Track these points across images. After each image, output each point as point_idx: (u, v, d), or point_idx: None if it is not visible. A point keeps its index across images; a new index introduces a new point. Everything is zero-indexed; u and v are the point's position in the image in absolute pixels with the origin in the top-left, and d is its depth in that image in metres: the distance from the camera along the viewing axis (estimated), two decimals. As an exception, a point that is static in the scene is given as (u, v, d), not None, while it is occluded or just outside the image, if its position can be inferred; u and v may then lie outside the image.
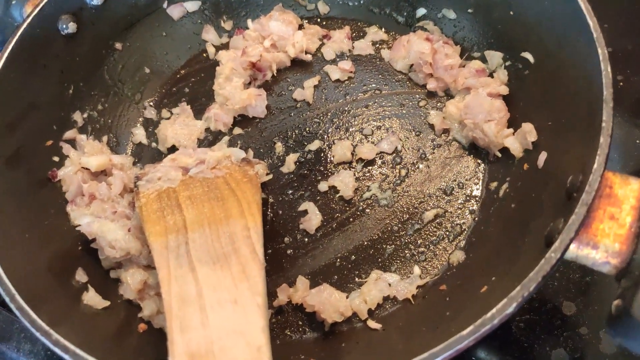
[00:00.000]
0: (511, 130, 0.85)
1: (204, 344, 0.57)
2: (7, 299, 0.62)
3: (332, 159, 0.92)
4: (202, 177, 0.82)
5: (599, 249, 0.59)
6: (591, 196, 0.58)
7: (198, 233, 0.71)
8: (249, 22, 1.05)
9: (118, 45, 0.99)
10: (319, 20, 1.08)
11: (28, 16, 0.85)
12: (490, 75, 0.92)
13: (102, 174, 0.90)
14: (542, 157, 0.78)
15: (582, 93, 0.70)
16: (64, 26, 0.89)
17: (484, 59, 0.93)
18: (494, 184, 0.85)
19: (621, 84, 1.09)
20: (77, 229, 0.80)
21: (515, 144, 0.83)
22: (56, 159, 0.88)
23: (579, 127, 0.70)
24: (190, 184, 0.81)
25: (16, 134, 0.81)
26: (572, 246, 0.59)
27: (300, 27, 1.05)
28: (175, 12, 1.04)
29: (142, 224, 0.76)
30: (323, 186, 0.90)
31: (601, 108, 0.64)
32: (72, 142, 0.90)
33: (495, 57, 0.91)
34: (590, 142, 0.63)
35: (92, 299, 0.75)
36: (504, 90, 0.88)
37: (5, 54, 0.81)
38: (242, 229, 0.71)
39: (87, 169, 0.88)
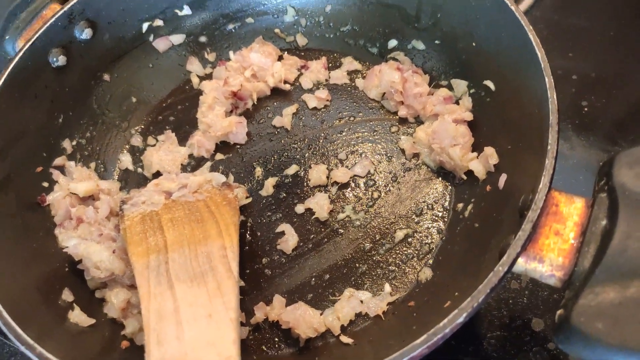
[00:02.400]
0: (475, 154, 0.90)
1: (179, 355, 0.61)
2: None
3: (308, 182, 0.97)
4: (184, 201, 0.86)
5: (545, 262, 0.63)
6: (537, 214, 0.63)
7: (178, 253, 0.75)
8: (231, 53, 1.11)
9: (106, 77, 1.04)
10: (297, 51, 1.14)
11: (20, 50, 0.90)
12: (457, 102, 0.97)
13: (89, 199, 0.95)
14: (503, 178, 0.83)
15: (534, 118, 0.76)
16: (54, 59, 0.95)
17: (451, 87, 0.99)
18: (460, 205, 0.90)
19: (586, 109, 1.15)
20: (65, 250, 0.84)
21: (478, 166, 0.89)
22: (45, 184, 0.92)
23: (532, 150, 0.75)
24: (173, 207, 0.85)
25: (7, 160, 0.85)
26: (521, 260, 0.64)
27: (280, 58, 1.11)
28: (161, 45, 1.10)
29: (126, 245, 0.80)
30: (300, 208, 0.94)
31: (547, 132, 0.69)
32: (61, 169, 0.95)
33: (460, 85, 0.97)
34: (540, 164, 0.69)
35: (78, 317, 0.79)
36: (469, 116, 0.93)
37: (-2, 87, 0.86)
38: (219, 248, 0.75)
39: (75, 194, 0.93)
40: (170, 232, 0.79)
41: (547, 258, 0.63)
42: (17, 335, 0.64)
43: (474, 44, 0.94)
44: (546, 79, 0.74)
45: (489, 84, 0.91)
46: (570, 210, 0.66)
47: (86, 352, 0.74)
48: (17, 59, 0.89)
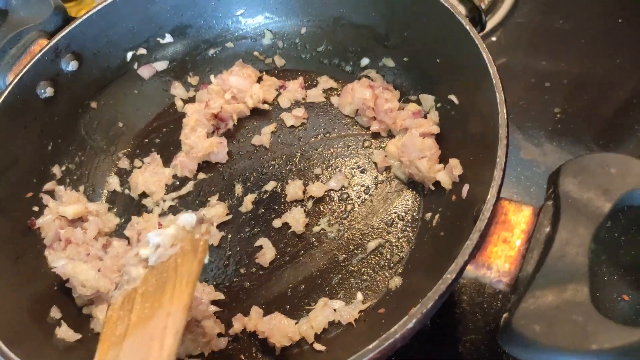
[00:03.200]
0: (442, 165, 0.94)
1: None
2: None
3: (285, 197, 1.01)
4: (160, 263, 0.78)
5: (492, 269, 0.67)
6: (484, 223, 0.67)
7: (132, 338, 0.69)
8: (212, 77, 1.17)
9: (93, 104, 1.10)
10: (276, 72, 1.19)
11: (9, 84, 0.96)
12: (425, 116, 1.01)
13: (78, 220, 1.00)
14: (465, 189, 0.86)
15: (489, 131, 0.80)
16: (42, 91, 1.01)
17: (419, 102, 1.03)
18: (429, 215, 0.94)
19: (558, 115, 1.19)
20: (53, 270, 0.89)
21: (445, 177, 0.92)
22: (36, 208, 0.98)
23: (488, 161, 0.79)
24: (149, 276, 0.78)
25: (-1, 187, 0.91)
26: (471, 267, 0.68)
27: (260, 79, 1.17)
28: (145, 72, 1.16)
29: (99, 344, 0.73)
30: (277, 223, 0.99)
31: (497, 145, 0.73)
32: (51, 193, 1.00)
33: (428, 100, 1.01)
34: (488, 176, 0.73)
35: (65, 332, 0.83)
36: (435, 129, 0.97)
37: (-11, 119, 0.92)
38: (164, 317, 0.69)
39: (64, 216, 0.98)
40: (137, 311, 0.73)
41: (494, 265, 0.67)
42: (5, 354, 0.69)
43: (438, 60, 0.98)
44: (497, 95, 0.78)
45: (453, 98, 0.95)
46: (518, 219, 0.69)
47: (73, 365, 0.79)
48: (6, 92, 0.95)
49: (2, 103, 0.95)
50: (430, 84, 1.02)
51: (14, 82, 0.96)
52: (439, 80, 0.99)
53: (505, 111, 0.76)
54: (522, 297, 0.61)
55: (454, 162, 0.91)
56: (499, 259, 0.67)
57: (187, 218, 0.81)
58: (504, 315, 0.64)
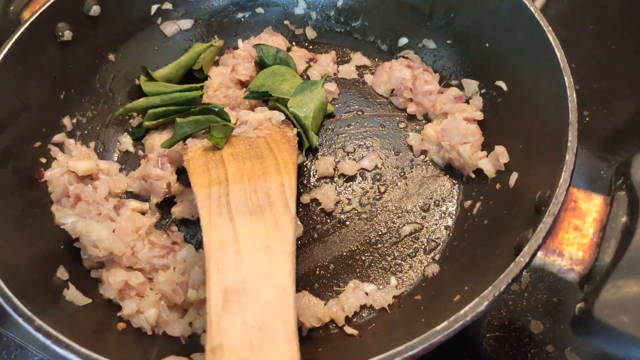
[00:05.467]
0: (485, 152, 0.90)
1: (237, 282, 0.62)
2: (-8, 288, 0.62)
3: (314, 173, 0.96)
4: (245, 137, 0.88)
5: (564, 256, 0.63)
6: (558, 207, 0.63)
7: (238, 187, 0.76)
8: (239, 42, 1.10)
9: (111, 57, 1.02)
10: (306, 44, 1.13)
11: (26, 21, 0.87)
12: (467, 101, 0.97)
13: (87, 178, 0.92)
14: (514, 177, 0.83)
15: (550, 117, 0.76)
16: (60, 33, 0.92)
17: (461, 87, 0.99)
18: (468, 202, 0.89)
19: (587, 119, 1.16)
20: (62, 227, 0.81)
21: (488, 165, 0.89)
22: (43, 160, 0.89)
23: (547, 148, 0.75)
24: (234, 142, 0.88)
25: (6, 133, 0.82)
26: (540, 254, 0.63)
27: (289, 49, 1.10)
28: (168, 28, 1.08)
29: (189, 176, 0.82)
30: (305, 198, 0.93)
31: (567, 130, 0.69)
32: (60, 146, 0.92)
33: (471, 85, 0.97)
34: (558, 160, 0.69)
35: (74, 295, 0.75)
36: (479, 115, 0.93)
37: (1, 56, 0.83)
38: (278, 185, 0.76)
39: (73, 172, 0.89)
40: (232, 166, 0.81)
41: (566, 252, 0.63)
42: (15, 307, 0.61)
43: (487, 45, 0.94)
44: (565, 79, 0.74)
45: (501, 84, 0.92)
46: (589, 207, 0.66)
47: (81, 330, 0.71)
48: (22, 30, 0.86)
49: (16, 42, 0.86)
50: (475, 68, 0.98)
51: (32, 19, 0.88)
52: (486, 65, 0.95)
53: (575, 95, 0.72)
54: (601, 287, 0.57)
55: (500, 150, 0.87)
56: (571, 246, 0.63)
57: (276, 114, 0.92)
58: (579, 305, 0.59)
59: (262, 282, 0.61)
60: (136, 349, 0.74)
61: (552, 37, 0.78)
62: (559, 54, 0.76)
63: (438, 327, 0.57)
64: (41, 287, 0.74)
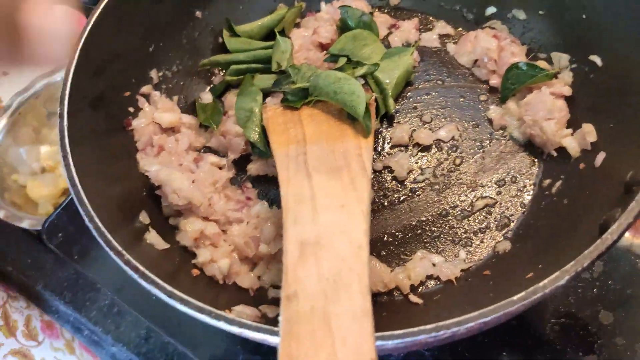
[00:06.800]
0: (570, 130, 0.86)
1: (313, 236, 0.62)
2: (86, 220, 0.67)
3: (389, 140, 0.95)
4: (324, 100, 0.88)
5: (654, 240, 0.60)
6: (653, 187, 0.59)
7: (316, 146, 0.77)
8: (322, 4, 1.09)
9: (198, 13, 1.04)
10: (388, 10, 1.11)
11: (123, -26, 0.91)
12: (555, 76, 0.93)
13: (170, 130, 0.96)
14: (601, 157, 0.79)
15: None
16: (153, -12, 0.95)
17: (549, 60, 0.95)
18: (547, 181, 0.86)
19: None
20: (146, 174, 0.85)
21: (573, 143, 0.85)
22: (131, 109, 0.93)
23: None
24: (312, 105, 0.88)
25: (101, 79, 0.86)
26: (628, 234, 0.60)
27: (371, 14, 1.09)
28: (254, -13, 1.09)
29: (268, 135, 0.84)
30: (378, 165, 0.92)
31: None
32: (147, 97, 0.96)
33: (562, 59, 0.92)
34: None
35: (154, 239, 0.80)
36: (568, 91, 0.89)
37: (101, 7, 0.87)
38: (355, 147, 0.77)
39: (158, 123, 0.93)
40: (310, 127, 0.82)
41: (656, 236, 0.60)
42: (108, 241, 0.65)
43: (584, 16, 0.89)
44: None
45: (596, 59, 0.86)
46: (685, 191, 0.61)
47: (159, 271, 0.75)
48: (119, -18, 0.90)
49: (114, -6, 0.89)
50: (568, 42, 0.93)
51: (129, -28, 0.91)
52: (580, 38, 0.90)
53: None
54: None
55: (588, 128, 0.83)
56: (662, 231, 0.60)
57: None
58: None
59: (338, 238, 0.62)
60: (208, 294, 0.77)
61: (660, 9, 0.73)
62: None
63: (515, 297, 0.56)
64: (126, 227, 0.78)
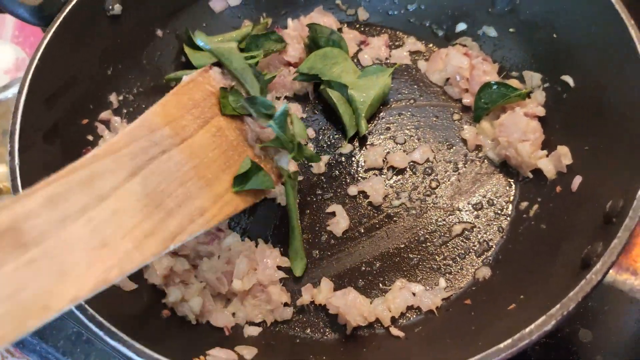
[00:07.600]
0: (545, 152, 0.85)
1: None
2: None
3: (363, 164, 0.92)
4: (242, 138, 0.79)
5: (639, 275, 0.59)
6: (634, 222, 0.59)
7: (180, 157, 0.66)
8: (289, 21, 1.05)
9: (159, 32, 0.99)
10: (357, 25, 1.08)
11: (77, -7, 0.85)
12: (527, 96, 0.92)
13: (133, 158, 0.90)
14: (577, 180, 0.78)
15: (626, 119, 0.71)
16: (110, 7, 0.89)
17: (521, 79, 0.94)
18: (525, 204, 0.85)
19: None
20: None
21: (548, 165, 0.84)
22: (90, 137, 0.87)
23: (621, 152, 0.71)
24: (233, 127, 0.78)
25: (54, 108, 0.80)
26: (611, 270, 0.59)
27: (339, 30, 1.06)
28: (217, 5, 1.04)
29: (168, 93, 0.72)
30: (352, 190, 0.90)
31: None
32: (107, 123, 0.90)
33: (534, 78, 0.92)
34: (635, 167, 0.64)
35: (122, 280, 0.75)
36: (541, 111, 0.88)
37: (53, 29, 0.81)
38: (209, 202, 0.69)
39: (119, 150, 0.88)
40: (203, 138, 0.70)
41: (641, 270, 0.59)
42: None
43: (554, 35, 0.88)
44: (651, 78, 0.68)
45: (568, 79, 0.86)
46: (668, 222, 0.61)
47: (127, 316, 0.71)
48: (74, 2, 0.84)
49: (67, 14, 0.83)
50: (540, 61, 0.92)
51: (83, -9, 0.85)
52: (551, 57, 0.89)
53: (659, 98, 0.67)
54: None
55: (563, 150, 0.82)
56: (647, 266, 0.59)
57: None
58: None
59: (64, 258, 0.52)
60: (180, 338, 0.73)
61: (634, 32, 0.72)
62: (641, 50, 0.71)
63: (501, 345, 0.54)
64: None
